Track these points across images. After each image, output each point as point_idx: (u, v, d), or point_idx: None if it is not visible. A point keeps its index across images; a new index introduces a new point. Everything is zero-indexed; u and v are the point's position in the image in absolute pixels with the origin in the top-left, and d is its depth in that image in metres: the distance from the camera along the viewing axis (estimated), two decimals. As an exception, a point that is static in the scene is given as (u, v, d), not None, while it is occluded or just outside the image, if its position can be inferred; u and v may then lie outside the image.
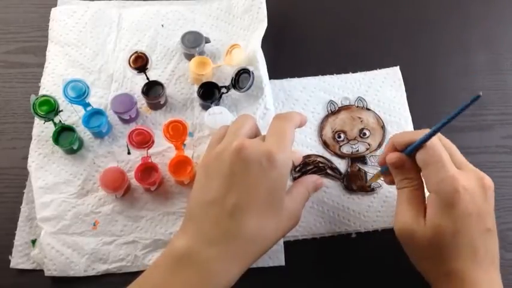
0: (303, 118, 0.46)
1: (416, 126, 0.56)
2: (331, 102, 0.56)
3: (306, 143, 0.55)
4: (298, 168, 0.53)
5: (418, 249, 0.41)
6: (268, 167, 0.39)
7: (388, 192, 0.52)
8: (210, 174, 0.41)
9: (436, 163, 0.39)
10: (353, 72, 0.59)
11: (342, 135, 0.55)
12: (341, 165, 0.53)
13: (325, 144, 0.54)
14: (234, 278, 0.39)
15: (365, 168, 0.53)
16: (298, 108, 0.57)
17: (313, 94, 0.57)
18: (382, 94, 0.57)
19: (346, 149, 0.54)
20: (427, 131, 0.41)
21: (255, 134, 0.45)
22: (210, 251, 0.38)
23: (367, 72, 0.59)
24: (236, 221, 0.38)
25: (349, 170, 0.53)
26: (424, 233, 0.39)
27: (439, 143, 0.41)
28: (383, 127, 0.55)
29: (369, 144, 0.54)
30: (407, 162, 0.42)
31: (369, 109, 0.56)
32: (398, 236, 0.42)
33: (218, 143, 0.43)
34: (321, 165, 0.53)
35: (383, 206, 0.51)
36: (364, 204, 0.52)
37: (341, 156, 0.54)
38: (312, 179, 0.49)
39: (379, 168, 0.49)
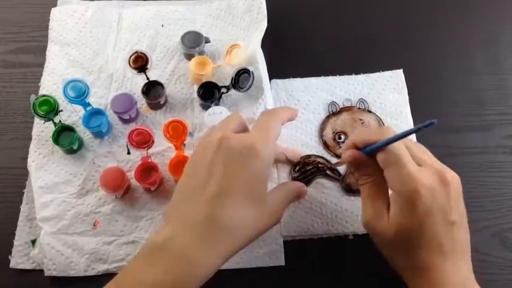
0: (292, 112, 0.47)
1: (416, 126, 0.56)
2: (332, 103, 0.56)
3: (306, 143, 0.55)
4: (297, 168, 0.53)
5: (383, 244, 0.42)
6: (249, 158, 0.40)
7: None
8: (195, 165, 0.42)
9: (396, 164, 0.40)
10: (355, 73, 0.59)
11: (343, 137, 0.55)
12: (340, 167, 0.53)
13: (326, 145, 0.54)
14: (211, 269, 0.39)
15: None
16: (300, 108, 0.56)
17: (315, 95, 0.57)
18: (384, 97, 0.57)
19: None
20: (387, 131, 0.41)
21: (243, 131, 0.45)
22: (186, 238, 0.38)
23: (370, 74, 0.58)
24: (215, 209, 0.39)
25: (348, 171, 0.53)
26: (387, 230, 0.40)
27: (400, 143, 0.41)
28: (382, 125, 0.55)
29: None
30: (364, 160, 0.43)
31: (370, 111, 0.56)
32: (366, 229, 0.43)
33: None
34: (320, 165, 0.53)
35: None
36: None
37: (340, 157, 0.54)
38: (296, 185, 0.48)
39: None
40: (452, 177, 0.40)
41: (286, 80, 0.58)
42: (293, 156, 0.53)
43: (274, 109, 0.46)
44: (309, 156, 0.54)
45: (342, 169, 0.53)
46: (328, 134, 0.55)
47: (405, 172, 0.39)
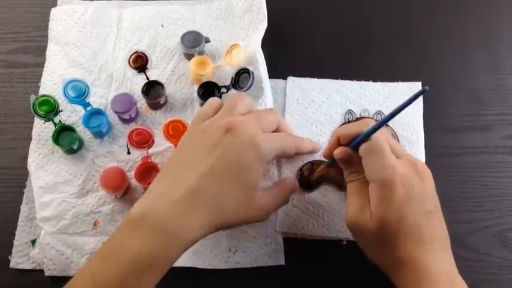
0: (315, 147, 0.52)
1: (416, 126, 0.56)
2: (349, 111, 0.56)
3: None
4: (305, 173, 0.52)
5: (367, 240, 0.43)
6: (248, 150, 0.41)
7: None
8: (192, 144, 0.43)
9: (377, 153, 0.40)
10: (355, 73, 0.58)
11: None
12: None
13: None
14: (191, 241, 0.39)
15: None
16: (313, 108, 0.56)
17: (330, 97, 0.57)
18: None
19: None
20: (369, 122, 0.42)
21: (249, 112, 0.46)
22: (168, 209, 0.39)
23: (388, 83, 0.58)
24: (202, 182, 0.40)
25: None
26: (370, 224, 0.40)
27: (381, 134, 0.42)
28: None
29: None
30: (353, 156, 0.43)
31: (387, 125, 0.55)
32: (349, 229, 0.43)
33: (203, 119, 0.45)
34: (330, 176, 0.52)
35: None
36: None
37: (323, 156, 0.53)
38: (290, 183, 0.49)
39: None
40: (426, 168, 0.42)
41: (302, 78, 0.58)
42: (313, 149, 0.52)
43: (301, 138, 0.51)
44: (319, 162, 0.53)
45: None
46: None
47: (385, 160, 0.40)
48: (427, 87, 0.37)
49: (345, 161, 0.44)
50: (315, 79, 0.58)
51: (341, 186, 0.52)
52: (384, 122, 0.40)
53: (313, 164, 0.52)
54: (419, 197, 0.40)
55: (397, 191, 0.39)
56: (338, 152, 0.44)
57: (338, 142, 0.45)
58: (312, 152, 0.52)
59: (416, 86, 0.58)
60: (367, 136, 0.41)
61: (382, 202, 0.40)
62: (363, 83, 0.58)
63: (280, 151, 0.46)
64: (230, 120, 0.42)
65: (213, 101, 0.47)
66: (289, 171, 0.53)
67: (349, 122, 0.55)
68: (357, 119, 0.55)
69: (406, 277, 0.40)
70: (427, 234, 0.40)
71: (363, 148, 0.42)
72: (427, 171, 0.42)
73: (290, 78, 0.58)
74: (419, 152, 0.54)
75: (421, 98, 0.57)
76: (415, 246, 0.39)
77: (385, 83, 0.58)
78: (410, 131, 0.55)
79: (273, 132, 0.47)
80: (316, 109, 0.56)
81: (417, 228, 0.39)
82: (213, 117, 0.45)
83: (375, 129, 0.41)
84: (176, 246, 0.38)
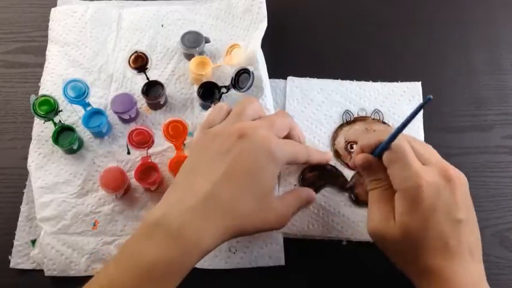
0: (324, 157, 0.51)
1: (416, 126, 0.56)
2: (347, 111, 0.56)
3: (314, 144, 0.54)
4: (307, 176, 0.52)
5: (391, 249, 0.42)
6: (262, 156, 0.41)
7: None
8: (204, 151, 0.43)
9: (400, 161, 0.40)
10: (355, 73, 0.58)
11: (355, 146, 0.54)
12: (350, 176, 0.52)
13: (337, 154, 0.54)
14: (206, 249, 0.39)
15: None
16: (312, 108, 0.56)
17: (329, 97, 0.57)
18: (399, 107, 0.56)
19: None
20: (390, 130, 0.41)
21: (259, 116, 0.46)
22: (184, 216, 0.38)
23: (387, 83, 0.58)
24: (217, 188, 0.40)
25: (356, 182, 0.52)
26: (394, 233, 0.40)
27: (405, 141, 0.41)
28: None
29: None
30: (374, 163, 0.43)
31: (384, 122, 0.55)
32: (372, 237, 0.43)
33: (211, 124, 0.45)
34: (333, 175, 0.52)
35: None
36: (362, 215, 0.51)
37: (351, 167, 0.53)
38: (307, 192, 0.49)
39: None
40: (458, 174, 0.40)
41: (302, 78, 0.58)
42: (319, 159, 0.51)
43: (311, 147, 0.50)
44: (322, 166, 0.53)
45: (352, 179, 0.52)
46: (341, 143, 0.54)
47: (408, 168, 0.39)
48: (431, 97, 0.36)
49: (365, 168, 0.44)
50: (315, 79, 0.58)
51: (342, 187, 0.52)
52: (399, 131, 0.40)
53: (315, 166, 0.52)
54: (447, 205, 0.39)
55: (423, 198, 0.38)
56: (359, 159, 0.44)
57: (362, 152, 0.44)
58: (320, 163, 0.51)
59: (416, 86, 0.58)
60: (387, 145, 0.41)
61: (407, 211, 0.39)
62: (363, 83, 0.58)
63: (293, 157, 0.45)
64: (242, 126, 0.42)
65: (220, 106, 0.47)
66: (289, 171, 0.53)
67: (347, 122, 0.55)
68: (355, 119, 0.55)
69: (430, 287, 0.39)
70: (453, 244, 0.38)
71: (385, 157, 0.41)
72: (458, 178, 0.40)
73: (290, 78, 0.58)
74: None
75: (420, 98, 0.57)
76: (440, 257, 0.38)
77: (384, 83, 0.58)
78: (411, 132, 0.55)
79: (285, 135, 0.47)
80: (316, 109, 0.56)
81: (443, 238, 0.38)
82: (223, 123, 0.45)
83: (392, 138, 0.40)
84: (192, 253, 0.38)
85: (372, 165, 0.43)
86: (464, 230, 0.39)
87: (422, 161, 0.41)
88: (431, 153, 0.43)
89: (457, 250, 0.39)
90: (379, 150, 0.42)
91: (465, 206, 0.40)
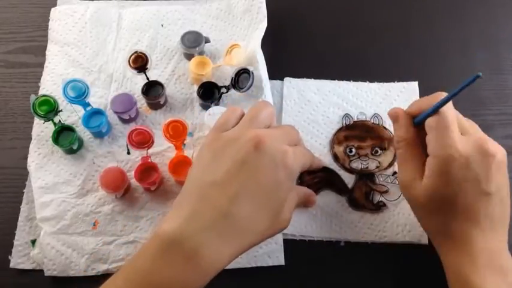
0: (315, 162, 0.50)
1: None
2: (346, 115, 0.56)
3: (311, 145, 0.54)
4: (306, 178, 0.52)
5: (417, 207, 0.44)
6: (278, 168, 0.40)
7: (392, 214, 0.51)
8: (218, 157, 0.41)
9: (442, 127, 0.40)
10: (355, 73, 0.58)
11: (354, 150, 0.54)
12: (348, 180, 0.53)
13: (335, 157, 0.54)
14: (219, 268, 0.39)
15: (372, 186, 0.52)
16: (310, 109, 0.56)
17: (326, 97, 0.57)
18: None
19: (355, 165, 0.53)
20: (439, 96, 0.42)
21: (271, 122, 0.45)
22: (201, 236, 0.37)
23: (384, 83, 0.58)
24: (234, 207, 0.39)
25: (354, 186, 0.52)
26: (420, 193, 0.41)
27: (452, 109, 0.42)
28: None
29: (379, 163, 0.53)
30: (402, 118, 0.44)
31: (385, 128, 0.55)
32: (402, 192, 0.45)
33: (224, 128, 0.44)
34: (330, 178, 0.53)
35: (383, 222, 0.51)
36: (359, 217, 0.51)
37: (350, 171, 0.53)
38: (307, 191, 0.50)
39: (386, 188, 0.52)
40: (495, 148, 0.40)
41: (299, 79, 0.58)
42: (318, 165, 0.52)
43: (314, 160, 0.50)
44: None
45: (349, 183, 0.53)
46: (340, 146, 0.54)
47: (448, 136, 0.40)
48: (480, 74, 0.37)
49: (396, 120, 0.45)
50: (312, 80, 0.58)
51: (341, 191, 0.52)
52: (447, 100, 0.40)
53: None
54: (477, 177, 0.39)
55: (453, 168, 0.39)
56: (392, 111, 0.45)
57: (409, 116, 0.45)
58: (318, 167, 0.53)
59: (413, 86, 0.58)
60: (434, 111, 0.41)
61: (436, 177, 0.40)
62: (360, 83, 0.58)
63: (305, 167, 0.46)
64: (258, 134, 0.40)
65: (234, 109, 0.46)
66: None
67: (346, 126, 0.55)
68: (354, 123, 0.55)
69: (447, 248, 0.41)
70: (479, 215, 0.40)
71: (430, 121, 0.41)
72: (495, 151, 0.40)
73: (287, 79, 0.58)
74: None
75: (417, 98, 0.57)
76: (464, 224, 0.40)
77: (381, 84, 0.58)
78: None
79: None
80: (313, 109, 0.56)
81: (469, 208, 0.40)
82: (236, 128, 0.43)
83: (440, 105, 0.41)
84: (208, 273, 0.38)
85: (398, 117, 0.44)
86: (492, 204, 0.40)
87: (463, 132, 0.41)
88: (472, 126, 0.43)
89: (483, 221, 0.40)
90: (425, 114, 0.42)
91: (497, 179, 0.40)
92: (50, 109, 0.51)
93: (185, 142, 0.53)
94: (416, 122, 0.44)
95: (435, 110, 0.41)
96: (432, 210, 0.41)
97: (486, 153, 0.40)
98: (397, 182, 0.53)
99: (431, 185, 0.40)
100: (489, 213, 0.40)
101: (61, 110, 0.52)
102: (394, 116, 0.45)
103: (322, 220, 0.51)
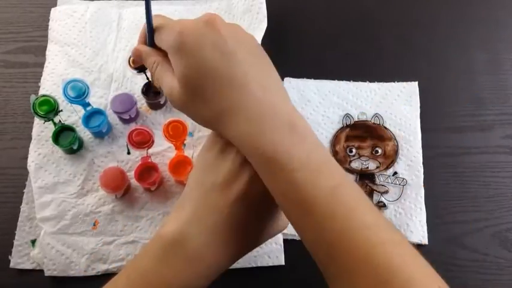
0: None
1: (416, 126, 0.56)
2: (347, 115, 0.56)
3: None
4: None
5: (190, 112, 0.40)
6: None
7: (392, 214, 0.51)
8: (219, 159, 0.40)
9: (162, 30, 0.41)
10: (355, 73, 0.58)
11: (354, 150, 0.54)
12: None
13: (336, 157, 0.54)
14: (220, 270, 0.39)
15: (372, 186, 0.52)
16: (310, 109, 0.56)
17: (326, 97, 0.57)
18: (396, 107, 0.56)
19: (356, 165, 0.53)
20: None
21: None
22: (203, 237, 0.37)
23: (384, 83, 0.58)
24: (235, 211, 0.38)
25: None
26: (179, 92, 0.39)
27: (161, 16, 0.43)
28: (396, 148, 0.54)
29: (380, 163, 0.54)
30: (145, 50, 0.43)
31: (386, 128, 0.55)
32: (174, 107, 0.41)
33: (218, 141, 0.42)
34: None
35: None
36: None
37: (350, 171, 0.53)
38: None
39: (386, 188, 0.51)
40: (216, 15, 0.40)
41: (299, 79, 0.58)
42: None
43: None
44: None
45: None
46: (340, 146, 0.54)
47: (169, 25, 0.40)
48: None
49: (141, 56, 0.44)
50: (312, 80, 0.58)
51: None
52: (148, 10, 0.42)
53: None
54: (212, 42, 0.38)
55: (186, 43, 0.38)
56: (133, 52, 0.45)
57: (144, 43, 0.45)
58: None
59: (413, 86, 0.58)
60: (150, 27, 0.42)
61: (177, 62, 0.38)
62: (360, 83, 0.58)
63: None
64: None
65: None
66: None
67: (347, 126, 0.55)
68: (355, 123, 0.55)
69: (228, 126, 0.38)
70: (232, 77, 0.37)
71: (156, 39, 0.42)
72: (214, 17, 0.39)
73: (287, 79, 0.58)
74: (416, 153, 0.54)
75: (417, 98, 0.57)
76: (226, 93, 0.37)
77: (381, 84, 0.58)
78: (408, 132, 0.55)
79: None
80: (313, 109, 0.56)
81: (218, 73, 0.37)
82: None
83: (149, 20, 0.42)
84: (209, 276, 0.38)
85: (141, 53, 0.44)
86: (239, 62, 0.38)
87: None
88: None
89: (240, 82, 0.37)
90: (149, 37, 0.43)
91: (233, 38, 0.38)
92: (50, 109, 0.51)
93: (185, 142, 0.53)
94: (150, 44, 0.43)
95: (150, 25, 0.42)
96: (197, 99, 0.38)
97: (208, 20, 0.39)
98: (397, 183, 0.53)
99: (179, 72, 0.38)
100: (243, 72, 0.37)
101: (61, 110, 0.52)
102: (137, 53, 0.44)
103: None
